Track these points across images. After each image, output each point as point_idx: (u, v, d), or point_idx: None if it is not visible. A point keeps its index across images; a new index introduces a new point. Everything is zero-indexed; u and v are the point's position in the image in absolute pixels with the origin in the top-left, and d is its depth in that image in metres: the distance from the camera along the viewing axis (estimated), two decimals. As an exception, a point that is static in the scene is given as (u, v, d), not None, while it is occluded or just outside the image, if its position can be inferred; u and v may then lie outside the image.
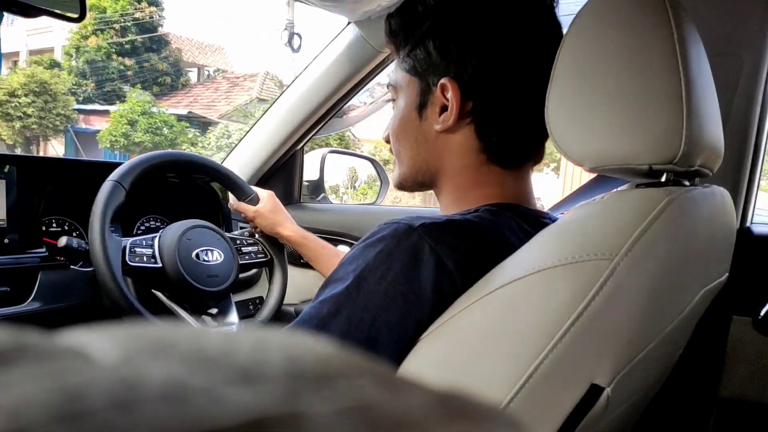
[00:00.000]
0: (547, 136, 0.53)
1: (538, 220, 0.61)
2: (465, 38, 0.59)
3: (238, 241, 1.12)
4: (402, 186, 0.68)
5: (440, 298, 0.49)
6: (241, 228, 1.24)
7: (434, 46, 0.59)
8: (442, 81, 0.59)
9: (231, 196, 1.34)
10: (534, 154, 0.63)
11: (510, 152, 0.61)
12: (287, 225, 1.10)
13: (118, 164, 0.98)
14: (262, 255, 1.14)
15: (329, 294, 0.53)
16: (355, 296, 0.51)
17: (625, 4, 0.50)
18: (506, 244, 0.52)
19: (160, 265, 0.97)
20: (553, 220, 0.61)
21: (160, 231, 1.01)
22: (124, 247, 0.94)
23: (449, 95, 0.59)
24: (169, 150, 1.14)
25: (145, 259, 0.96)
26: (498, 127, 0.60)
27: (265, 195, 1.12)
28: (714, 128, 0.52)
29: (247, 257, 1.11)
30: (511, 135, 0.60)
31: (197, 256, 1.00)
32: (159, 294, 0.98)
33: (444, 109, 0.61)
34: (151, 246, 0.98)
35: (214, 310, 1.03)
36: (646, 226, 0.43)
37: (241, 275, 1.09)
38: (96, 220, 0.90)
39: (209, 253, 1.02)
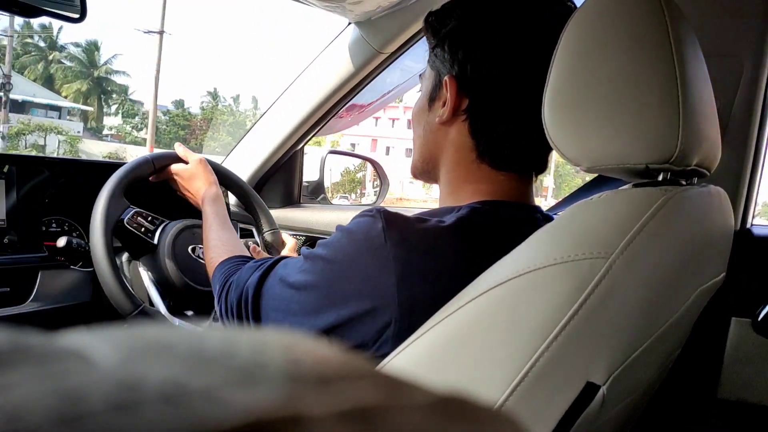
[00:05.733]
0: (549, 145, 0.53)
1: (533, 217, 0.61)
2: (471, 41, 0.62)
3: None
4: (413, 173, 0.72)
5: (382, 291, 0.52)
6: (242, 228, 1.24)
7: (448, 44, 0.64)
8: (446, 77, 0.63)
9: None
10: (533, 161, 0.64)
11: (501, 153, 0.62)
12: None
13: (120, 164, 0.98)
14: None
15: (299, 264, 0.59)
16: (322, 272, 0.56)
17: (621, 5, 0.50)
18: (495, 241, 0.53)
19: (155, 243, 0.97)
20: (548, 219, 0.61)
21: (167, 221, 1.02)
22: (127, 211, 0.94)
23: (449, 91, 0.63)
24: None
25: (143, 230, 0.97)
26: (491, 127, 0.62)
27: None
28: (711, 128, 0.52)
29: None
30: (504, 137, 0.62)
31: (193, 250, 1.00)
32: (142, 270, 0.98)
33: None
34: (155, 224, 0.99)
35: (190, 312, 1.03)
36: (642, 224, 0.43)
37: None
38: (110, 182, 0.90)
39: None
